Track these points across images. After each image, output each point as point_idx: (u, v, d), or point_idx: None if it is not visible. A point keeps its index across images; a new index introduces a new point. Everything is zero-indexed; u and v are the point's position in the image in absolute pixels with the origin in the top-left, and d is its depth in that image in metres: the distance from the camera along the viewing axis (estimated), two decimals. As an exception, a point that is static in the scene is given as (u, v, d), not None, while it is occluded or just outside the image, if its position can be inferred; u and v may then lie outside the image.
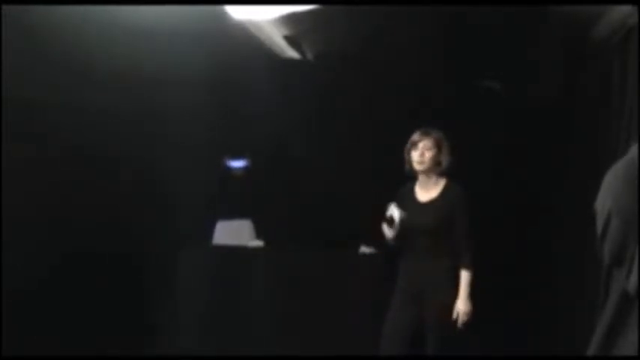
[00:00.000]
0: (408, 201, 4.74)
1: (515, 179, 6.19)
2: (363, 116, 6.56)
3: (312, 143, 6.68)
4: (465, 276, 4.54)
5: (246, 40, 5.99)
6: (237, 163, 6.97)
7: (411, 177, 4.79)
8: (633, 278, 2.28)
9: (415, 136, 4.70)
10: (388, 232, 4.67)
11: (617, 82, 4.50)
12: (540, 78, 6.04)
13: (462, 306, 4.52)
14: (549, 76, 5.99)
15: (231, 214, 6.72)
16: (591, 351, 2.42)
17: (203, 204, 6.66)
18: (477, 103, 6.49)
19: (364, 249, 6.14)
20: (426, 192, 4.71)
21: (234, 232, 6.57)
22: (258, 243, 6.33)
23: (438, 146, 4.66)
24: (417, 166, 4.67)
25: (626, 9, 4.36)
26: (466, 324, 4.53)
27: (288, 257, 6.19)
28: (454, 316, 4.51)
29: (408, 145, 4.71)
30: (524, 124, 6.22)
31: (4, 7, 4.95)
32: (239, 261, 6.38)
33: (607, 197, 2.38)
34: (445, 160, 4.67)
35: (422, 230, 4.61)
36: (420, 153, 4.65)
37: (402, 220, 4.60)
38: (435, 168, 4.67)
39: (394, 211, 4.63)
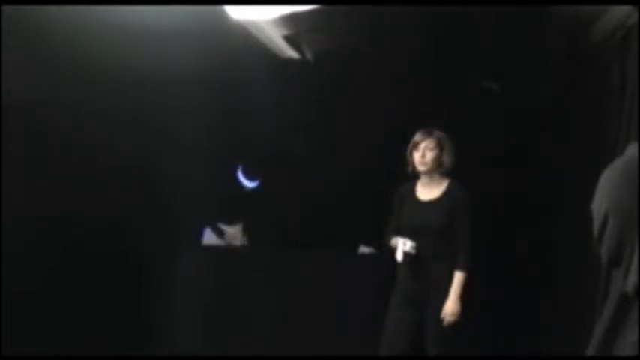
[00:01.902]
0: (409, 201, 4.73)
1: (516, 179, 6.18)
2: (363, 116, 6.56)
3: (312, 143, 6.68)
4: (458, 277, 4.52)
5: (246, 40, 5.99)
6: (250, 184, 6.92)
7: (413, 177, 4.78)
8: (632, 278, 2.28)
9: (417, 137, 4.68)
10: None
11: (617, 82, 4.50)
12: (540, 78, 6.03)
13: (449, 306, 4.50)
14: (549, 76, 5.99)
15: (231, 214, 6.73)
16: (591, 351, 2.42)
17: (203, 204, 6.67)
18: (476, 103, 6.48)
19: (364, 249, 6.14)
20: (429, 192, 4.69)
21: (229, 234, 6.60)
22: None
23: (440, 146, 4.64)
24: (419, 167, 4.66)
25: (626, 9, 4.36)
26: (453, 325, 4.51)
27: (288, 257, 6.20)
28: (441, 315, 4.50)
29: (410, 146, 4.70)
30: (524, 124, 6.21)
31: (4, 7, 4.95)
32: (238, 261, 6.39)
33: (604, 197, 2.38)
34: (447, 160, 4.66)
35: (423, 230, 4.59)
36: (422, 154, 4.63)
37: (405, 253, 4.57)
38: (438, 168, 4.66)
39: (401, 246, 4.60)
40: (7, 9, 4.96)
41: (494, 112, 6.38)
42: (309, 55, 6.65)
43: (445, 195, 4.63)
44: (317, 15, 5.57)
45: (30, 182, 5.47)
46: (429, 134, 4.66)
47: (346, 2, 5.33)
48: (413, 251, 4.51)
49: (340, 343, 5.75)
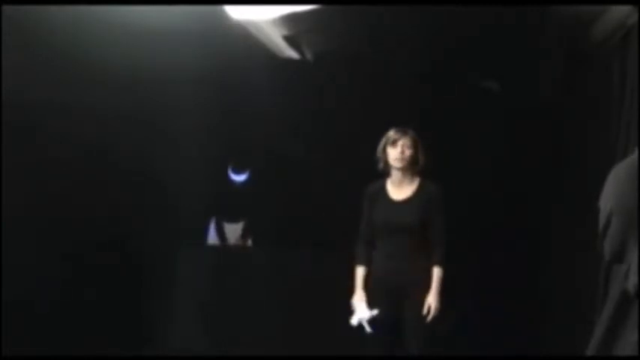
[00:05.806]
0: (381, 200, 4.71)
1: (515, 179, 6.18)
2: (363, 116, 6.56)
3: (311, 143, 6.68)
4: (437, 272, 4.53)
5: (246, 40, 5.99)
6: (239, 177, 6.92)
7: (384, 175, 4.75)
8: (633, 278, 2.29)
9: (393, 134, 4.68)
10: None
11: (617, 82, 4.50)
12: (540, 78, 6.04)
13: (433, 300, 4.50)
14: (549, 76, 5.99)
15: (231, 214, 6.73)
16: (591, 351, 2.43)
17: (203, 204, 6.67)
18: (476, 103, 6.48)
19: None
20: (401, 190, 4.68)
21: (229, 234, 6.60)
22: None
23: (415, 145, 4.67)
24: (395, 164, 4.65)
25: (626, 9, 4.36)
26: (436, 319, 4.50)
27: (288, 257, 6.20)
28: (424, 311, 4.48)
29: (383, 143, 4.69)
30: (524, 124, 6.22)
31: (4, 7, 4.95)
32: (238, 261, 6.39)
33: (609, 196, 2.39)
34: (422, 158, 4.67)
35: (398, 229, 4.59)
36: (401, 151, 4.63)
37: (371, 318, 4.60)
38: (413, 166, 4.67)
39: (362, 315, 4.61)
40: (7, 9, 4.96)
41: (494, 112, 6.39)
42: (309, 55, 6.65)
43: (418, 193, 4.64)
44: (317, 15, 5.57)
45: (30, 182, 5.47)
46: (405, 132, 4.67)
47: (346, 2, 5.33)
48: (365, 322, 4.56)
49: (340, 343, 5.74)
